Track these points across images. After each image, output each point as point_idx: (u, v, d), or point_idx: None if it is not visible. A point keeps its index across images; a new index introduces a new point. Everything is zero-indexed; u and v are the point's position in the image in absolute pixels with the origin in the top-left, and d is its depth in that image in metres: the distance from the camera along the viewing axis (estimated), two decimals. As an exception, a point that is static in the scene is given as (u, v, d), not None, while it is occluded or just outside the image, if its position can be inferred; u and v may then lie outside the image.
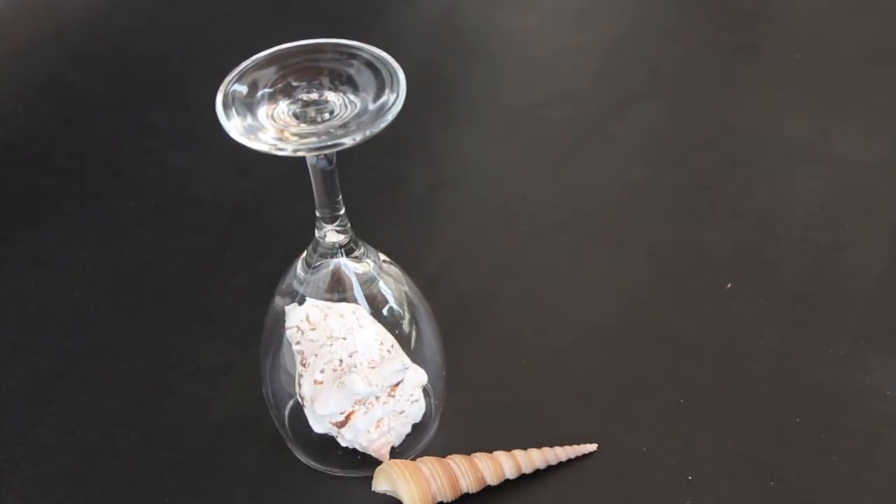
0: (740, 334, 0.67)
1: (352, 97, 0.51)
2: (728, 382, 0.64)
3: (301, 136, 0.49)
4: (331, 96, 0.51)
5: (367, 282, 0.58)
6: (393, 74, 0.51)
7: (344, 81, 0.52)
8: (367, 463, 0.59)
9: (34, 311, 0.72)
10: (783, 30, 0.96)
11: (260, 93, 0.51)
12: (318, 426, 0.58)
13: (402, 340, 0.59)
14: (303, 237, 0.59)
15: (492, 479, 0.58)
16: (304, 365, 0.57)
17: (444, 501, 0.58)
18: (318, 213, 0.56)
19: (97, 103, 0.91)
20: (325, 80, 0.52)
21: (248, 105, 0.50)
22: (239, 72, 0.52)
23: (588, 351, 0.67)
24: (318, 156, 0.53)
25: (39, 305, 0.73)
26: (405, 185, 0.81)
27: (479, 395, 0.64)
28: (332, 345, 0.56)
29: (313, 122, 0.50)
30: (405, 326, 0.60)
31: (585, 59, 0.93)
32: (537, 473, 0.59)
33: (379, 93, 0.50)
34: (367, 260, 0.58)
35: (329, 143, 0.48)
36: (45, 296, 0.73)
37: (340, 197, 0.55)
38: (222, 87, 0.51)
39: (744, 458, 0.60)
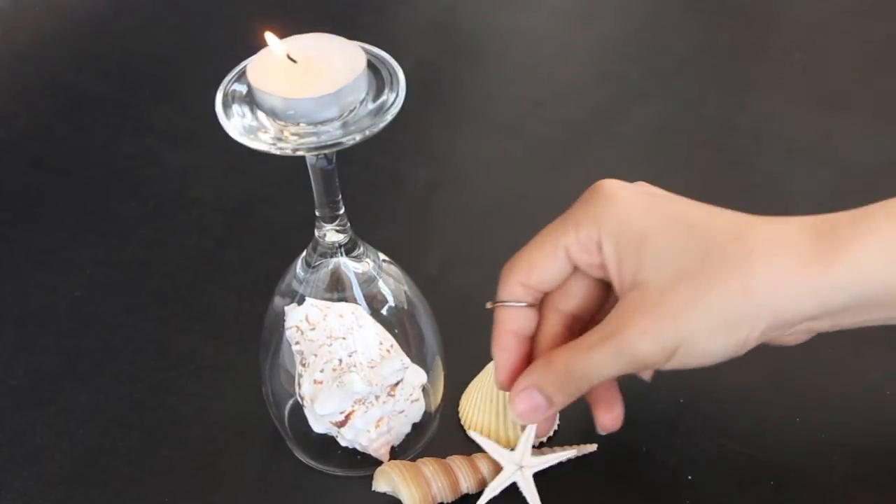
0: (740, 334, 0.67)
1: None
2: (727, 382, 0.64)
3: (301, 135, 0.49)
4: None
5: (367, 281, 0.58)
6: (392, 74, 0.51)
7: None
8: (367, 463, 0.59)
9: (34, 311, 0.72)
10: (783, 29, 0.96)
11: (259, 92, 0.51)
12: (318, 426, 0.58)
13: (402, 340, 0.59)
14: (302, 237, 0.59)
15: (492, 480, 0.58)
16: (303, 365, 0.57)
17: (445, 502, 0.58)
18: (317, 213, 0.56)
19: (97, 103, 0.91)
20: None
21: (247, 104, 0.50)
22: (238, 71, 0.52)
23: (588, 350, 0.67)
24: (317, 155, 0.52)
25: (39, 305, 0.73)
26: (405, 185, 0.81)
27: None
28: (331, 344, 0.56)
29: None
30: (405, 326, 0.60)
31: (585, 58, 0.93)
32: (537, 474, 0.59)
33: (378, 92, 0.50)
34: (367, 259, 0.58)
35: (329, 142, 0.48)
36: (45, 295, 0.73)
37: (340, 196, 0.55)
38: (222, 87, 0.51)
39: (743, 458, 0.60)
